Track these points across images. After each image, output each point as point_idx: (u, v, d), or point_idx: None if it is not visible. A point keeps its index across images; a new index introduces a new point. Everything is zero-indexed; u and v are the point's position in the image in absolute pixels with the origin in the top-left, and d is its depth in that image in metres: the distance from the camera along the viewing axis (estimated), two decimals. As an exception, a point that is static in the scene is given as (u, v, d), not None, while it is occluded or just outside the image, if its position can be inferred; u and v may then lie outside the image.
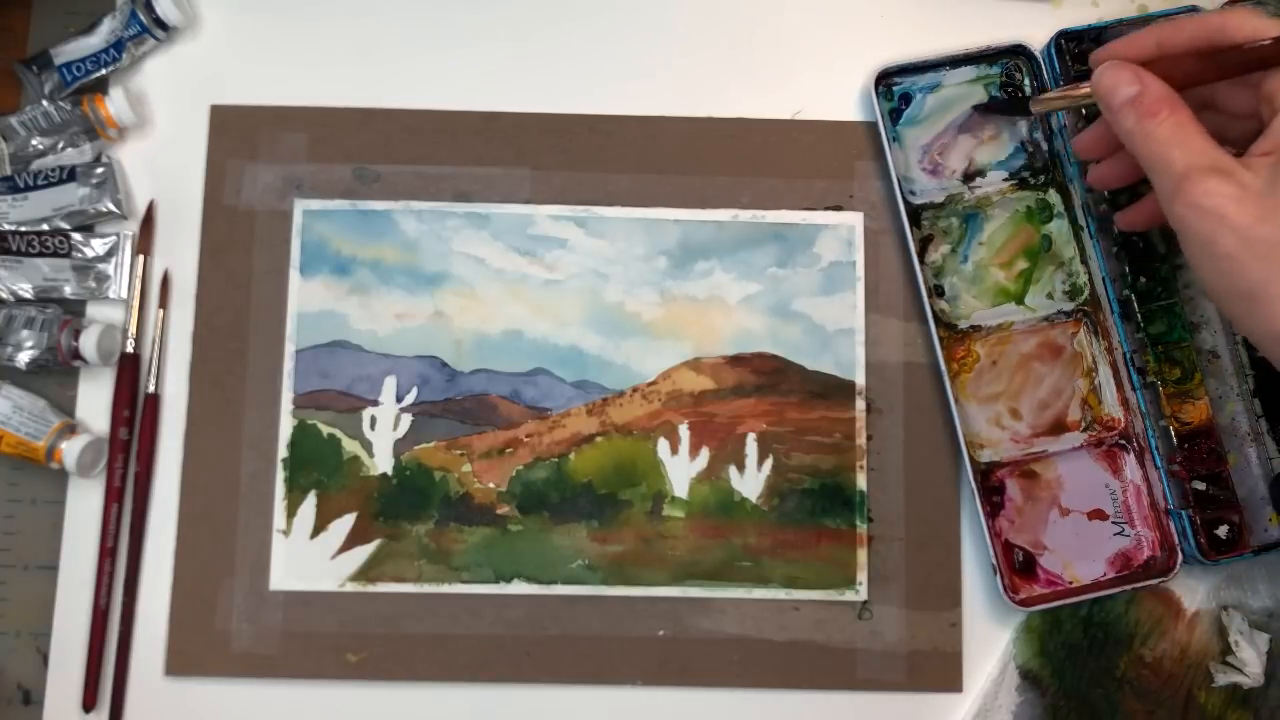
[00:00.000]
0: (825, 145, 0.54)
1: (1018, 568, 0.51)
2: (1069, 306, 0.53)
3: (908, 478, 0.52)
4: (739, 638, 0.51)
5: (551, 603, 0.51)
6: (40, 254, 0.51)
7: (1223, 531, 0.51)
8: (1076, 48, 0.53)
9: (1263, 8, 0.54)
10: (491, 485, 0.51)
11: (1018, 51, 0.54)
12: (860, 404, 0.52)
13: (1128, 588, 0.51)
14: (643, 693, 0.51)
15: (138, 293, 0.52)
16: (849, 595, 0.51)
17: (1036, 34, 0.54)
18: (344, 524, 0.51)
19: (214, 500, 0.51)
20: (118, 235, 0.52)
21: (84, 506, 0.51)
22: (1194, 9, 0.53)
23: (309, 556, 0.51)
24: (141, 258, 0.52)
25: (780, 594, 0.51)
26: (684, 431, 0.52)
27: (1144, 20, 0.53)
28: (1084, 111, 0.53)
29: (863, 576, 0.51)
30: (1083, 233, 0.53)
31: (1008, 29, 0.54)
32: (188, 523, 0.51)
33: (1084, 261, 0.53)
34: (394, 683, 0.50)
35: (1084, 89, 0.45)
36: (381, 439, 0.52)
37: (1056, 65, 0.53)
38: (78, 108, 0.51)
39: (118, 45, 0.52)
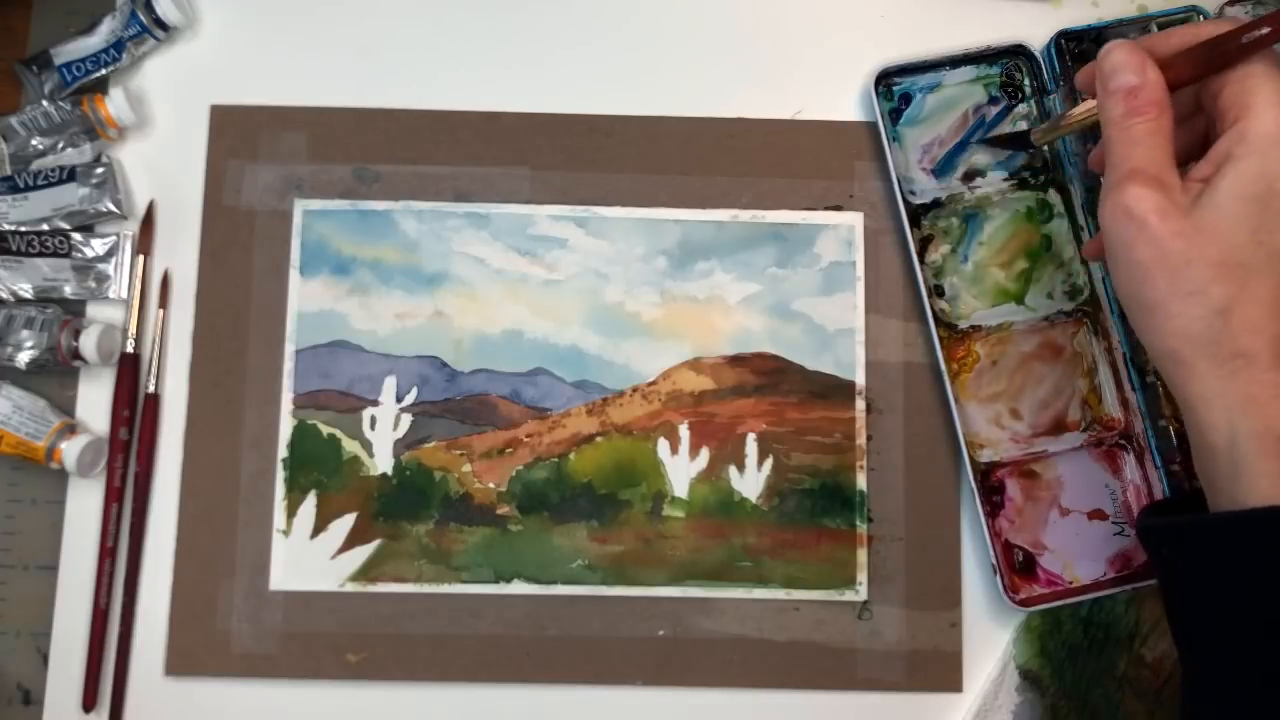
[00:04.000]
0: (825, 145, 0.54)
1: (1018, 568, 0.51)
2: (1069, 306, 0.53)
3: (908, 478, 0.52)
4: (739, 638, 0.51)
5: (551, 603, 0.51)
6: (40, 254, 0.51)
7: (1223, 531, 0.51)
8: (1076, 48, 0.53)
9: (1262, 6, 0.54)
10: (491, 485, 0.51)
11: (1018, 51, 0.54)
12: (860, 404, 0.52)
13: (1128, 588, 0.51)
14: (643, 693, 0.51)
15: (138, 293, 0.52)
16: (849, 595, 0.51)
17: (1036, 34, 0.54)
18: (344, 524, 0.51)
19: (214, 500, 0.51)
20: (118, 235, 0.52)
21: (84, 506, 0.51)
22: (1194, 9, 0.53)
23: (309, 556, 0.51)
24: (141, 258, 0.52)
25: (780, 594, 0.51)
26: (684, 431, 0.52)
27: (1144, 20, 0.53)
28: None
29: (863, 576, 0.51)
30: (1083, 233, 0.53)
31: (1008, 29, 0.54)
32: (188, 523, 0.51)
33: (1084, 261, 0.53)
34: (394, 683, 0.50)
35: (1085, 110, 0.45)
36: (381, 439, 0.52)
37: (1056, 65, 0.53)
38: (78, 108, 0.51)
39: (118, 45, 0.52)
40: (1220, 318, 0.38)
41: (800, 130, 0.54)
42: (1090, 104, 0.45)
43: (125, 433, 0.51)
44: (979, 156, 0.54)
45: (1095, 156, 0.47)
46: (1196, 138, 0.44)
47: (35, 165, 0.52)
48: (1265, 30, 0.39)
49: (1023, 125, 0.54)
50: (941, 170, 0.53)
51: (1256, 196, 0.38)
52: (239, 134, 0.53)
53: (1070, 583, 0.51)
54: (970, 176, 0.54)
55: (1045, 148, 0.53)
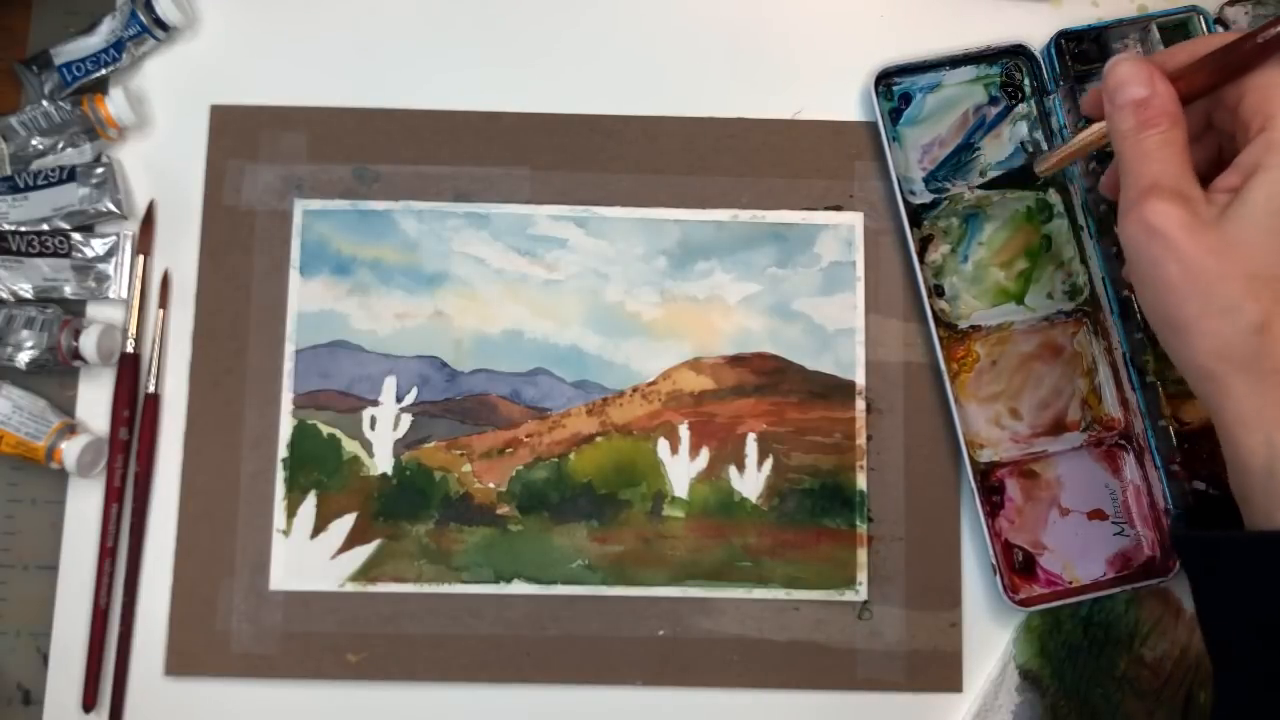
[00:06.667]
0: (825, 145, 0.54)
1: (1018, 568, 0.51)
2: (1069, 306, 0.53)
3: (908, 478, 0.52)
4: (739, 638, 0.51)
5: (551, 603, 0.51)
6: (40, 254, 0.51)
7: (1223, 531, 0.51)
8: (1076, 48, 0.53)
9: (1262, 6, 0.54)
10: (491, 485, 0.51)
11: (1018, 51, 0.54)
12: (860, 404, 0.52)
13: (1128, 588, 0.51)
14: (643, 693, 0.51)
15: (138, 293, 0.52)
16: (849, 595, 0.51)
17: (1036, 34, 0.54)
18: (344, 524, 0.51)
19: (214, 500, 0.51)
20: (118, 235, 0.52)
21: (84, 506, 0.51)
22: (1194, 9, 0.53)
23: (309, 556, 0.51)
24: (141, 258, 0.52)
25: (780, 594, 0.51)
26: (684, 431, 0.52)
27: (1144, 20, 0.53)
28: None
29: (863, 576, 0.51)
30: (1083, 233, 0.53)
31: (1008, 29, 0.54)
32: (188, 523, 0.51)
33: (1084, 261, 0.53)
34: (394, 683, 0.50)
35: (1091, 132, 0.44)
36: (381, 439, 0.52)
37: (1056, 65, 0.53)
38: (78, 108, 0.51)
39: (118, 45, 0.52)
40: (1257, 335, 0.37)
41: (800, 130, 0.54)
42: (1096, 128, 0.44)
43: (125, 433, 0.51)
44: (980, 156, 0.54)
45: (1108, 180, 0.46)
46: (1209, 157, 0.43)
47: (35, 165, 0.52)
48: None
49: (1022, 125, 0.54)
50: (934, 179, 0.53)
51: None
52: (239, 134, 0.53)
53: (1070, 583, 0.51)
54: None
55: (1045, 147, 0.53)
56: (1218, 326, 0.37)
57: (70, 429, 0.50)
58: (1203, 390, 0.39)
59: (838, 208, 0.53)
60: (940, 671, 0.51)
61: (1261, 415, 0.37)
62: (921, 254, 0.53)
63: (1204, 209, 0.38)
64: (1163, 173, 0.38)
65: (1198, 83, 0.40)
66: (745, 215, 0.53)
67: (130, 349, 0.52)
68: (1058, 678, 0.51)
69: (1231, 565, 0.39)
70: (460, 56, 0.54)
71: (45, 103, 0.52)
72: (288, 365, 0.52)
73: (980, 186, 0.53)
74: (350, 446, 0.52)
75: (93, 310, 0.52)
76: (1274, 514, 0.38)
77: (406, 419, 0.52)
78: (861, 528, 0.51)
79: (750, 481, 0.52)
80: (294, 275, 0.52)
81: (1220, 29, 0.53)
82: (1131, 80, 0.40)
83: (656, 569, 0.51)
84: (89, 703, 0.50)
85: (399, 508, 0.51)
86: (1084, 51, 0.53)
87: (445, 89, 0.54)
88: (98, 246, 0.52)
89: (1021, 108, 0.54)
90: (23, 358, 0.50)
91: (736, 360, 0.53)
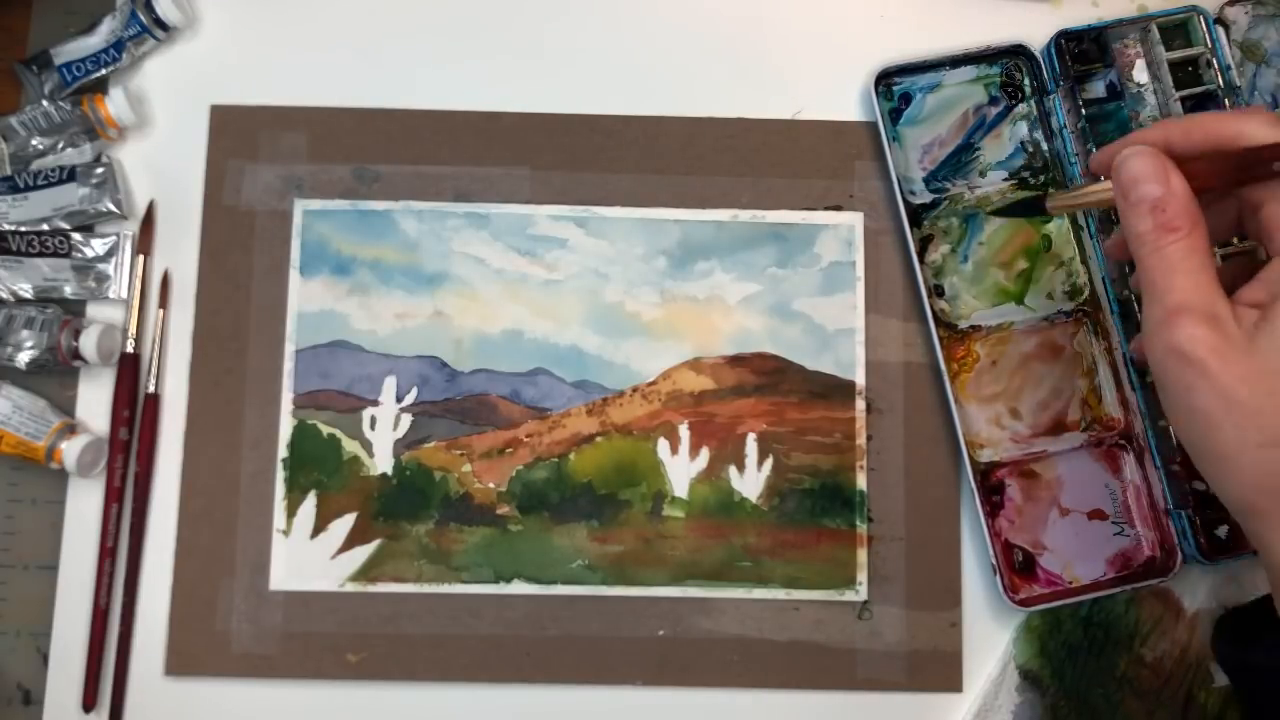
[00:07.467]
0: (825, 145, 0.54)
1: (1018, 568, 0.51)
2: (1069, 306, 0.53)
3: (908, 478, 0.52)
4: (739, 638, 0.51)
5: (551, 603, 0.51)
6: (40, 254, 0.51)
7: (1222, 532, 0.51)
8: (1076, 48, 0.53)
9: (1261, 6, 0.54)
10: (491, 485, 0.51)
11: (1018, 51, 0.54)
12: (860, 404, 0.52)
13: (1128, 588, 0.51)
14: (643, 693, 0.51)
15: (138, 293, 0.52)
16: (849, 595, 0.51)
17: (1036, 34, 0.54)
18: (344, 524, 0.51)
19: (214, 500, 0.51)
20: (118, 235, 0.52)
21: (84, 506, 0.51)
22: (1194, 9, 0.53)
23: (309, 556, 0.51)
24: (141, 258, 0.52)
25: (780, 594, 0.51)
26: (684, 431, 0.52)
27: (1144, 20, 0.53)
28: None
29: (863, 576, 0.51)
30: (1083, 233, 0.53)
31: (1008, 29, 0.54)
32: (188, 523, 0.51)
33: (1084, 261, 0.53)
34: (394, 683, 0.50)
35: (1102, 190, 0.42)
36: (381, 439, 0.52)
37: (1056, 65, 0.53)
38: (78, 108, 0.51)
39: (118, 45, 0.52)
40: None
41: (800, 130, 0.54)
42: (1108, 185, 0.41)
43: (125, 433, 0.51)
44: (980, 156, 0.54)
45: (1114, 243, 0.44)
46: (1228, 222, 0.41)
47: (35, 165, 0.52)
48: None
49: (1022, 125, 0.54)
50: (934, 179, 0.53)
51: None
52: (239, 134, 0.53)
53: (1070, 583, 0.51)
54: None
55: (1045, 147, 0.53)
56: (1257, 459, 0.35)
57: (70, 429, 0.50)
58: (1245, 521, 0.37)
59: (838, 208, 0.53)
60: (940, 671, 0.51)
61: None
62: (921, 254, 0.53)
63: (1233, 328, 0.36)
64: (1190, 291, 0.36)
65: (1209, 181, 0.38)
66: (745, 215, 0.53)
67: (130, 349, 0.52)
68: (1058, 678, 0.51)
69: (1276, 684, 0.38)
70: (460, 56, 0.54)
71: (45, 103, 0.52)
72: (288, 365, 0.52)
73: (992, 212, 0.52)
74: (350, 446, 0.52)
75: (93, 310, 0.52)
76: None
77: (406, 419, 0.52)
78: (861, 528, 0.51)
79: (750, 481, 0.52)
80: (294, 275, 0.52)
81: (1220, 29, 0.53)
82: (1145, 177, 0.38)
83: (656, 569, 0.51)
84: (89, 703, 0.50)
85: (399, 508, 0.51)
86: (1084, 51, 0.53)
87: (445, 89, 0.54)
88: (98, 246, 0.52)
89: (1021, 108, 0.54)
90: (23, 358, 0.50)
91: (736, 360, 0.53)
